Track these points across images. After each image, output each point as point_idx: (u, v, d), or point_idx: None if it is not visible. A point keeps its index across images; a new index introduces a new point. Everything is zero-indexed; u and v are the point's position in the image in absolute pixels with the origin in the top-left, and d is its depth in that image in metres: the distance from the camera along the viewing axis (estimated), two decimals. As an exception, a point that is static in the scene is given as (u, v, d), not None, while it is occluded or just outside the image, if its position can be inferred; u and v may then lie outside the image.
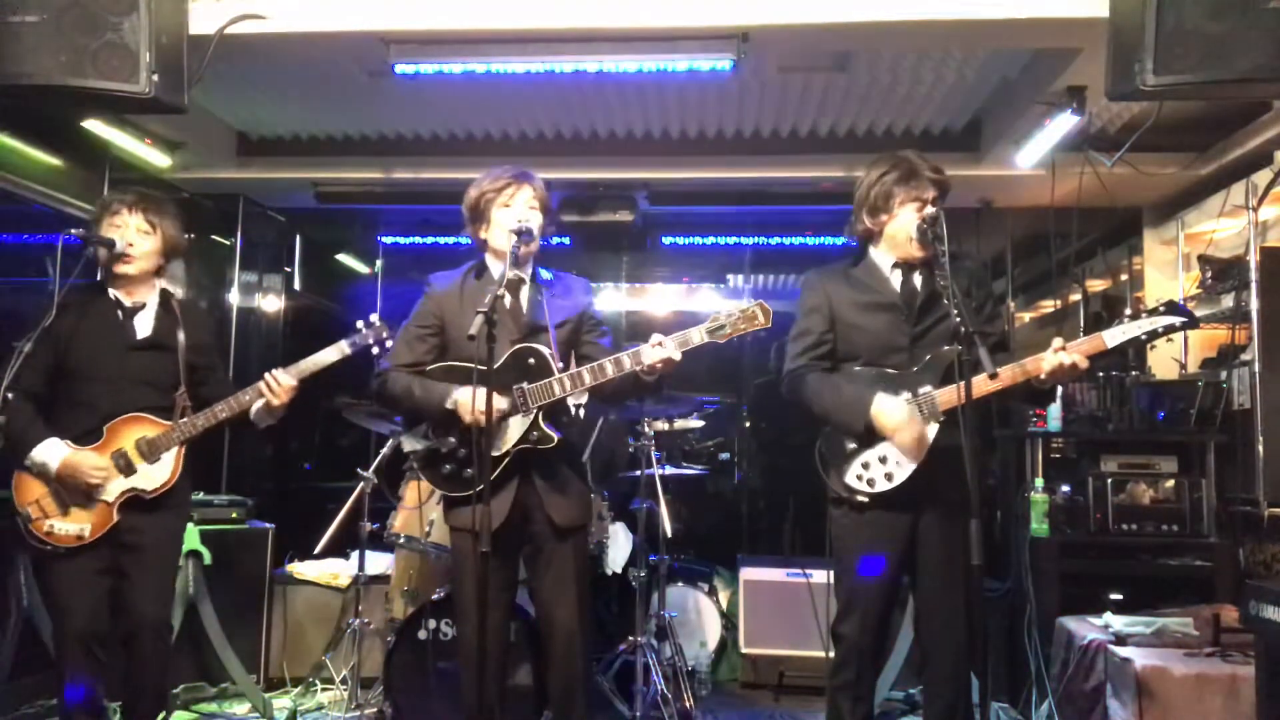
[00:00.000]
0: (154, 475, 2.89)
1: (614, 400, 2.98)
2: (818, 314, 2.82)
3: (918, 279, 2.78)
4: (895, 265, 2.79)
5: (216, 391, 3.03)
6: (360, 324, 3.01)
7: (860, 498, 2.69)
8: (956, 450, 2.56)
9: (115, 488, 2.85)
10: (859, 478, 2.70)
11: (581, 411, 2.91)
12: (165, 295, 3.06)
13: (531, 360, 2.69)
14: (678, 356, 2.50)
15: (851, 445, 2.71)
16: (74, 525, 2.82)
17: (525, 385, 2.66)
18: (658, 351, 2.50)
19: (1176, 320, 2.54)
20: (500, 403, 2.62)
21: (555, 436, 2.67)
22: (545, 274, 2.90)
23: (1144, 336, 2.54)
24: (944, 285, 2.64)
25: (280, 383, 2.90)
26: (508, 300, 2.75)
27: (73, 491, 2.82)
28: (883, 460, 2.67)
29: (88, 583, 2.83)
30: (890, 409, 2.61)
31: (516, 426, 2.68)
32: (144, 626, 2.88)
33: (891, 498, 2.67)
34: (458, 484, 2.73)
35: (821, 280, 2.87)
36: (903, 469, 2.65)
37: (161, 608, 2.97)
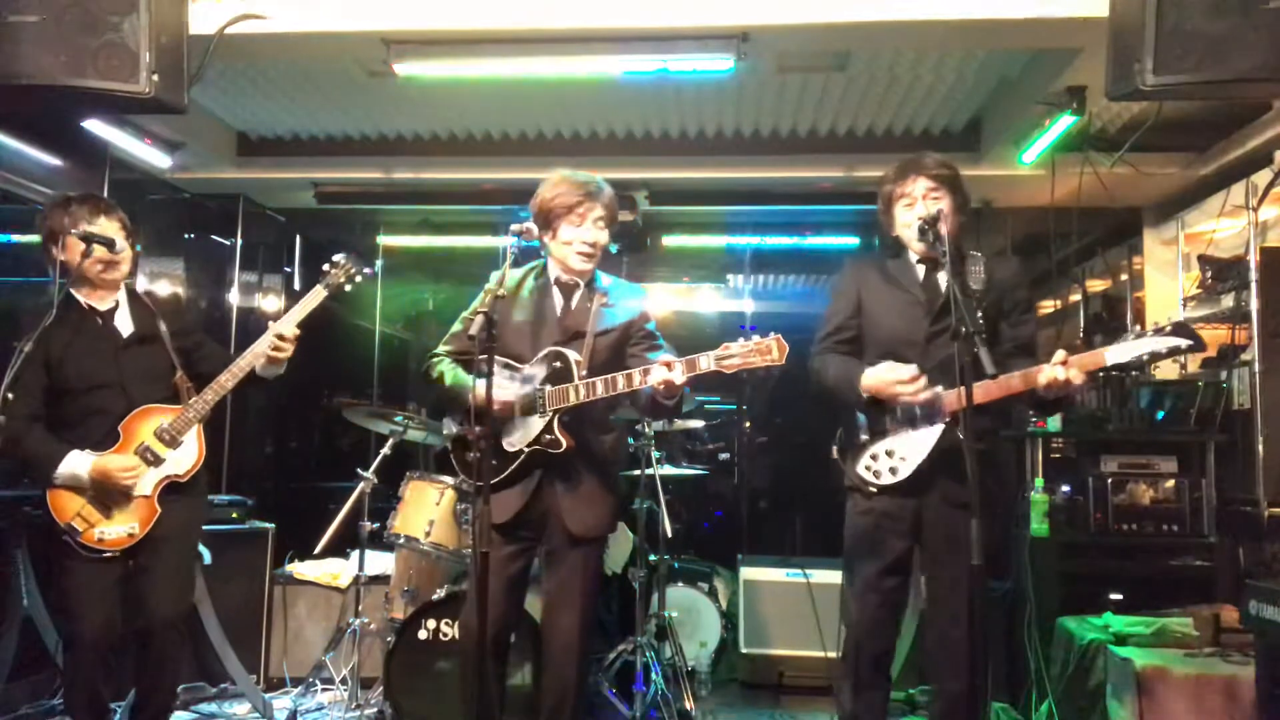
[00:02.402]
0: (181, 459, 2.92)
1: (650, 415, 3.04)
2: (845, 299, 2.90)
3: (942, 278, 2.79)
4: (920, 261, 2.83)
5: (211, 364, 3.05)
6: (326, 266, 3.09)
7: (869, 488, 2.75)
8: (960, 452, 2.58)
9: (150, 480, 2.87)
10: (867, 468, 2.75)
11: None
12: (130, 290, 3.06)
13: (558, 364, 2.73)
14: (680, 380, 2.52)
15: (864, 436, 2.77)
16: (123, 526, 2.84)
17: (546, 388, 2.71)
18: (662, 373, 2.53)
19: (1183, 343, 2.46)
20: (510, 395, 2.70)
21: (564, 442, 2.68)
22: (604, 280, 2.92)
23: (1147, 356, 2.51)
24: (976, 290, 2.67)
25: (287, 336, 2.94)
26: (559, 304, 2.84)
27: (110, 494, 2.83)
28: (889, 454, 2.72)
29: (106, 589, 2.83)
30: (880, 373, 2.66)
31: (534, 426, 2.71)
32: (161, 622, 2.89)
33: (896, 491, 2.72)
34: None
35: (856, 267, 2.95)
36: (907, 464, 2.69)
37: (180, 603, 2.98)
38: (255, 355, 2.94)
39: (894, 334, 2.79)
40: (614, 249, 2.95)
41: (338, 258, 3.10)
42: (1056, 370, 2.52)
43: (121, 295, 3.03)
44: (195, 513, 3.06)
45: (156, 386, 2.96)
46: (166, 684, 2.98)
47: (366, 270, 3.15)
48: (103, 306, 2.97)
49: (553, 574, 2.81)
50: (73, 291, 2.93)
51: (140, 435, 2.89)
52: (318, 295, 3.04)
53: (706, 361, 2.52)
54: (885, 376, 2.65)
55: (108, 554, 2.81)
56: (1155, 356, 2.51)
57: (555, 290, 2.86)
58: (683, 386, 2.55)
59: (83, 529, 2.80)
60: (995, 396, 2.58)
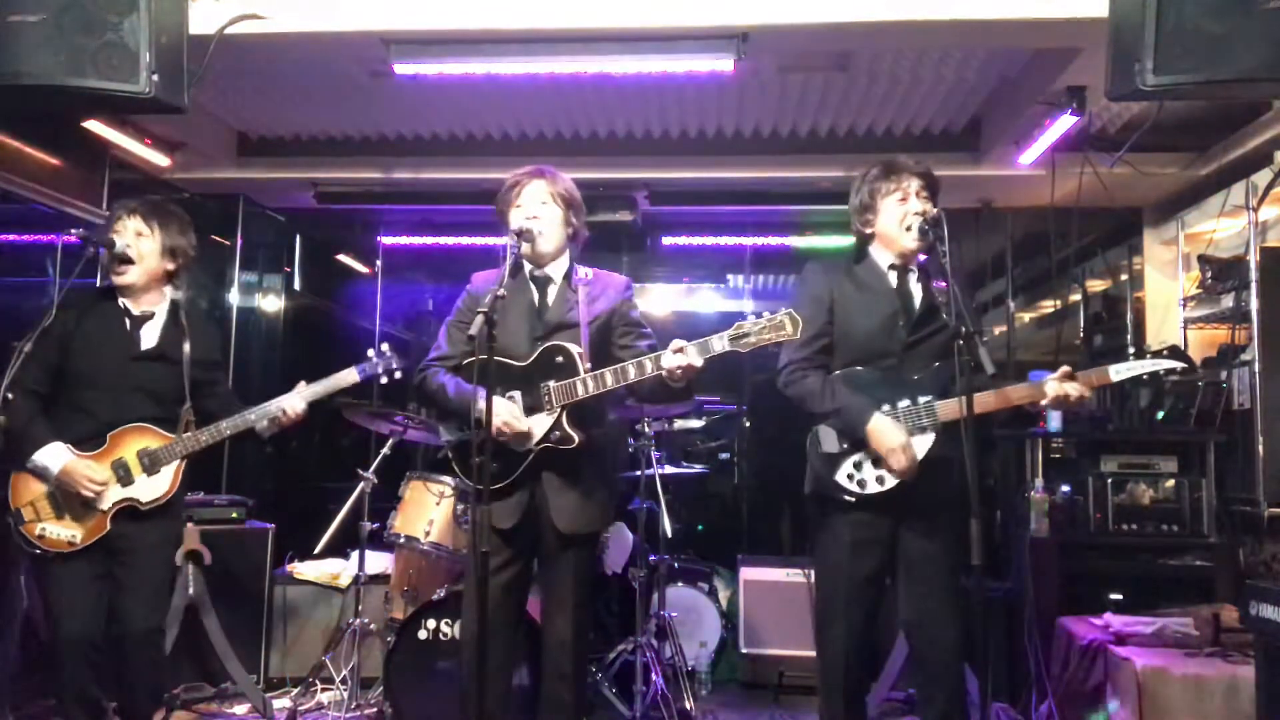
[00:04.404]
0: (152, 487, 2.89)
1: (652, 402, 3.00)
2: (819, 304, 2.77)
3: (915, 284, 2.76)
4: (892, 266, 2.79)
5: (218, 405, 3.03)
6: (371, 352, 3.14)
7: (847, 497, 2.67)
8: (948, 461, 2.57)
9: (111, 497, 2.84)
10: (849, 477, 2.67)
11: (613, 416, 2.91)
12: (175, 306, 3.04)
13: (559, 359, 2.69)
14: (699, 363, 2.49)
15: (845, 444, 2.69)
16: (66, 531, 2.82)
17: (550, 384, 2.66)
18: (678, 358, 2.48)
19: (1178, 365, 2.74)
20: (518, 405, 2.67)
21: (576, 438, 2.66)
22: (584, 272, 2.88)
23: (1145, 376, 2.57)
24: (943, 299, 2.64)
25: (292, 412, 2.98)
26: (535, 298, 2.80)
27: (69, 497, 2.81)
28: (875, 463, 2.65)
29: (84, 587, 2.83)
30: (887, 431, 2.59)
31: (540, 425, 2.67)
32: (134, 634, 2.86)
33: (877, 500, 2.65)
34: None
35: (824, 271, 2.86)
36: (895, 475, 2.64)
37: (152, 615, 2.94)
38: (262, 414, 2.95)
39: (869, 343, 2.71)
40: (569, 237, 2.91)
41: (383, 347, 3.15)
42: (1067, 386, 2.52)
43: (162, 307, 3.00)
44: (170, 531, 3.04)
45: (154, 405, 2.93)
46: (143, 692, 2.94)
47: (401, 367, 3.18)
48: (137, 311, 2.96)
49: (546, 575, 2.79)
50: (115, 287, 2.96)
51: (123, 450, 2.87)
52: (348, 378, 3.06)
53: (720, 343, 2.47)
54: (898, 455, 2.57)
55: (38, 551, 2.80)
56: (1154, 376, 2.57)
57: (531, 285, 2.83)
58: (700, 369, 2.50)
59: (28, 519, 2.80)
60: (993, 409, 2.57)
